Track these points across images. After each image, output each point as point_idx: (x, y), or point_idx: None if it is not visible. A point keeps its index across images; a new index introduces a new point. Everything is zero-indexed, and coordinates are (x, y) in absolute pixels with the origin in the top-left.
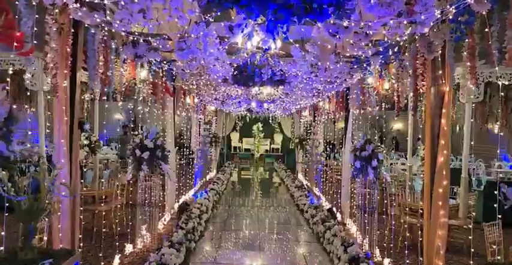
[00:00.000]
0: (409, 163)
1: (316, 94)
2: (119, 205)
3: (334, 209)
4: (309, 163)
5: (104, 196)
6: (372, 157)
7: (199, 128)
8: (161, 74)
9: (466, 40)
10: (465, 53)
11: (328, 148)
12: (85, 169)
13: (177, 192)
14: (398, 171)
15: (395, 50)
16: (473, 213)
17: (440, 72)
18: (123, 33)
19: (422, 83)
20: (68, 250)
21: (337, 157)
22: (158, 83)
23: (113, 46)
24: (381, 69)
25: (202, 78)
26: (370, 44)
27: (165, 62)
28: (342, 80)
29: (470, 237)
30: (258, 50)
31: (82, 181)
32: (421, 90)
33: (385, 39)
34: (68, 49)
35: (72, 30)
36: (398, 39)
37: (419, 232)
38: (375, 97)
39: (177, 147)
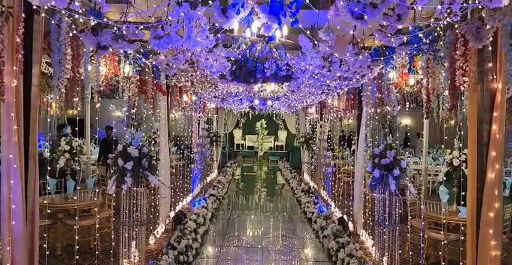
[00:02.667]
0: (424, 165)
1: (326, 91)
2: (106, 218)
3: (345, 217)
4: (316, 164)
5: (88, 209)
6: (394, 165)
7: (199, 127)
8: (147, 70)
9: None
10: None
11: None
12: (67, 178)
13: (173, 199)
14: (412, 173)
15: (428, 38)
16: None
17: (490, 65)
18: (87, 20)
19: (464, 78)
20: None
21: (344, 156)
22: (147, 80)
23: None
24: (410, 61)
25: (195, 74)
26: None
27: (139, 55)
28: (360, 76)
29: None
30: (259, 39)
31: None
32: (462, 88)
33: (416, 23)
34: (18, 39)
35: (24, 16)
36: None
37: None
38: (396, 95)
39: (176, 147)
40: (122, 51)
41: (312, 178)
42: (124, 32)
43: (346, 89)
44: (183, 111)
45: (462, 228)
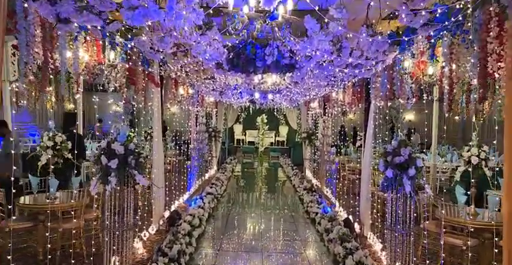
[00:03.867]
0: (432, 162)
1: (331, 82)
2: (93, 219)
3: (350, 217)
4: (319, 161)
5: (73, 210)
6: (409, 164)
7: (197, 122)
8: (135, 58)
9: None
10: None
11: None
12: (49, 178)
13: (168, 198)
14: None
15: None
16: None
17: None
18: None
19: (499, 64)
20: None
21: (348, 152)
22: (136, 69)
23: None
24: (434, 44)
25: (188, 62)
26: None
27: (125, 39)
28: (373, 63)
29: None
30: (259, 14)
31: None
32: (497, 75)
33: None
34: None
35: None
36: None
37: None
38: (411, 86)
39: (174, 143)
40: (89, 26)
41: (314, 176)
42: (90, 1)
43: (353, 81)
44: (179, 105)
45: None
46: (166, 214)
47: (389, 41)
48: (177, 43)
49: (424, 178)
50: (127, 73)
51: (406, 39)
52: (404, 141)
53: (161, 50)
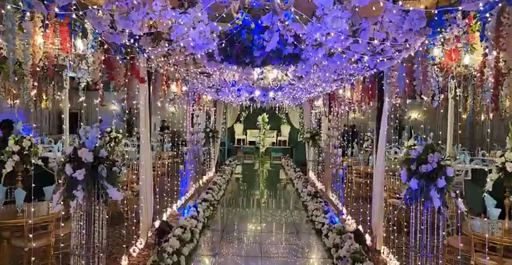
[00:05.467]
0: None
1: (341, 77)
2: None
3: (360, 228)
4: (324, 164)
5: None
6: (438, 173)
7: (192, 122)
8: (107, 46)
9: None
10: None
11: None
12: (14, 188)
13: (159, 205)
14: None
15: None
16: None
17: None
18: None
19: None
20: None
21: (355, 153)
22: (116, 62)
23: None
24: (483, 22)
25: (166, 49)
26: None
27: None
28: (399, 49)
29: None
30: None
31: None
32: None
33: None
34: None
35: None
36: None
37: None
38: (438, 79)
39: (170, 143)
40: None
41: (318, 179)
42: None
43: (366, 75)
44: (171, 103)
45: None
46: (157, 224)
47: (417, 24)
48: (151, 24)
49: (457, 191)
50: (103, 66)
51: (448, 16)
52: (432, 145)
53: (127, 31)
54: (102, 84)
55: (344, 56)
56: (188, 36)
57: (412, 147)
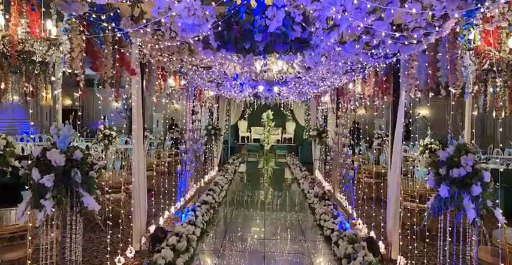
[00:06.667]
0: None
1: (353, 67)
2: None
3: (372, 234)
4: (332, 163)
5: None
6: (472, 179)
7: (192, 119)
8: (82, 28)
9: None
10: None
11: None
12: None
13: (154, 209)
14: None
15: None
16: None
17: None
18: None
19: None
20: None
21: (363, 151)
22: (99, 50)
23: None
24: None
25: (155, 31)
26: None
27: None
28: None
29: None
30: None
31: None
32: None
33: None
34: None
35: None
36: None
37: None
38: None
39: (172, 141)
40: None
41: (325, 178)
42: None
43: (380, 65)
44: (168, 98)
45: None
46: (152, 228)
47: None
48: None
49: (497, 201)
50: (84, 54)
51: None
52: (465, 145)
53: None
54: (83, 76)
55: (358, 43)
56: (173, 11)
57: (429, 146)
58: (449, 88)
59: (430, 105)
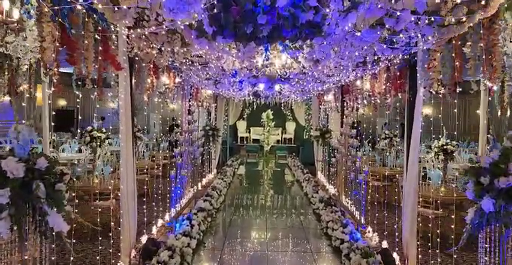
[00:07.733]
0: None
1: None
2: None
3: (385, 243)
4: (337, 166)
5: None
6: None
7: (188, 119)
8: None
9: None
10: None
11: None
12: None
13: (146, 218)
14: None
15: None
16: None
17: None
18: None
19: None
20: None
21: (367, 152)
22: (78, 41)
23: None
24: None
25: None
26: None
27: None
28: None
29: None
30: None
31: None
32: None
33: None
34: None
35: None
36: None
37: None
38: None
39: (167, 142)
40: None
41: (329, 181)
42: None
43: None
44: (161, 97)
45: None
46: (144, 239)
47: None
48: None
49: None
50: (57, 44)
51: None
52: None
53: None
54: (56, 70)
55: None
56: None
57: (445, 147)
58: (485, 80)
59: (433, 103)
